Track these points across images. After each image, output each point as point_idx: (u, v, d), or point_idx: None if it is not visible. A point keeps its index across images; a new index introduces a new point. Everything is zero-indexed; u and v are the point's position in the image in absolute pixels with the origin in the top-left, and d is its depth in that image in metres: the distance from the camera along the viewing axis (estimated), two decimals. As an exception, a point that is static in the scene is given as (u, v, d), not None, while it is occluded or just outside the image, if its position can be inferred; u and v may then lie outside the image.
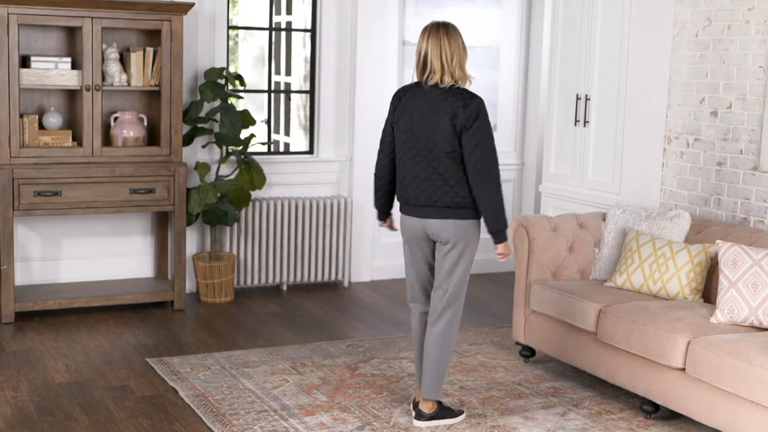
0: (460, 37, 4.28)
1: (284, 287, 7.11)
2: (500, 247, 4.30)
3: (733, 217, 5.40)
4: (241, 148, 6.54)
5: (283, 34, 13.72)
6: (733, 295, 4.50)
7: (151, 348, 5.56)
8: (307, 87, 7.63)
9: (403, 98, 4.36)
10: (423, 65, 4.29)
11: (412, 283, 4.52)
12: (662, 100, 5.84)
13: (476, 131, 4.18)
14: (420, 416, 4.43)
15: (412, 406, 4.60)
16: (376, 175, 4.51)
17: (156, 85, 6.27)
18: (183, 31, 6.20)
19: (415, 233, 4.40)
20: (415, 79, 4.38)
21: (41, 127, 6.18)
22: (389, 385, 4.99)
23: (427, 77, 4.28)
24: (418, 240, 4.41)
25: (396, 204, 6.85)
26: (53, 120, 6.16)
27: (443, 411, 4.46)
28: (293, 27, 13.69)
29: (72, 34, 6.25)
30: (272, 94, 7.82)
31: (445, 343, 4.39)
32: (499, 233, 4.24)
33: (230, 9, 6.91)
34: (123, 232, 6.68)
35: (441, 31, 4.26)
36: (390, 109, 4.42)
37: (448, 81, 4.23)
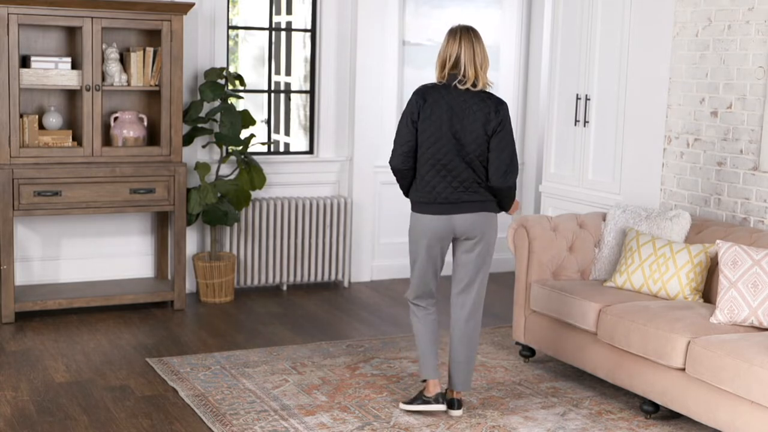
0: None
1: (284, 287, 7.11)
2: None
3: (733, 217, 5.40)
4: (241, 148, 6.54)
5: (283, 34, 13.72)
6: (733, 295, 4.50)
7: (151, 348, 5.56)
8: (307, 87, 7.63)
9: (428, 99, 4.37)
10: (453, 67, 4.38)
11: (426, 281, 4.55)
12: (662, 100, 5.84)
13: (504, 135, 4.39)
14: (459, 406, 4.58)
15: (437, 393, 4.57)
16: (400, 169, 4.45)
17: (156, 85, 6.27)
18: (183, 31, 6.20)
19: (438, 231, 4.45)
20: (437, 80, 4.43)
21: (41, 127, 6.18)
22: (389, 385, 4.99)
23: (459, 80, 4.37)
24: (441, 237, 4.47)
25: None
26: (53, 120, 6.16)
27: None
28: (293, 27, 13.69)
29: (72, 34, 6.25)
30: (272, 94, 7.82)
31: (478, 337, 4.65)
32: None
33: (230, 9, 6.91)
34: (123, 232, 6.68)
35: (471, 35, 4.40)
36: (412, 108, 4.40)
37: (480, 85, 4.40)
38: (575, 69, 6.35)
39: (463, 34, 4.38)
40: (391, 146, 7.36)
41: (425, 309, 4.61)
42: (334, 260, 7.17)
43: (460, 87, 4.36)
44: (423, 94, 4.40)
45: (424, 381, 4.63)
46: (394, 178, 4.58)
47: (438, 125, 4.35)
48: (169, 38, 6.16)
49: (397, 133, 4.47)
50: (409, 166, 4.44)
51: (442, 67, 4.41)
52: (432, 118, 4.36)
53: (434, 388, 4.55)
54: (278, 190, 7.12)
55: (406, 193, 4.57)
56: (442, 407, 4.55)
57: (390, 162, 4.48)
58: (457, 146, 4.35)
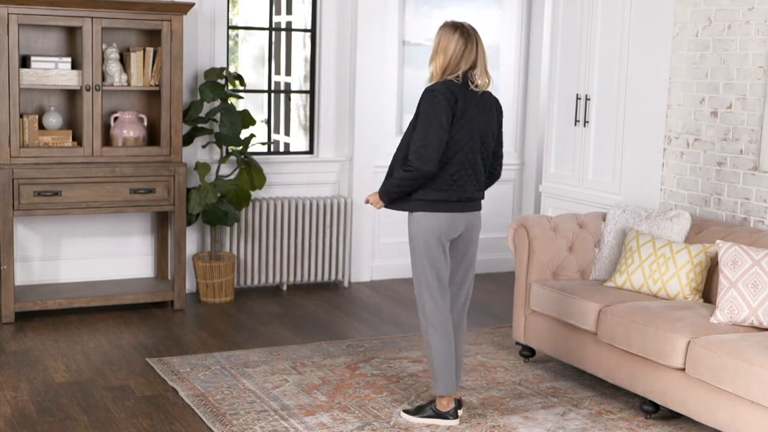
0: None
1: (284, 287, 7.11)
2: None
3: (733, 217, 5.40)
4: (241, 148, 6.54)
5: (283, 34, 13.72)
6: (733, 295, 4.50)
7: (151, 348, 5.56)
8: (307, 87, 7.63)
9: (458, 99, 4.29)
10: (471, 69, 4.34)
11: (445, 285, 4.47)
12: (662, 100, 5.84)
13: (501, 131, 4.59)
14: (461, 405, 4.60)
15: (453, 407, 4.50)
16: (428, 173, 4.25)
17: (156, 85, 6.27)
18: (183, 31, 6.20)
19: (454, 229, 4.42)
20: (441, 77, 4.33)
21: (41, 127, 6.18)
22: (389, 385, 4.99)
23: (476, 84, 4.35)
24: (452, 235, 4.44)
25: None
26: (53, 120, 6.16)
27: None
28: (293, 27, 13.68)
29: (72, 34, 6.25)
30: (272, 94, 7.82)
31: None
32: None
33: (230, 9, 6.91)
34: (123, 232, 6.68)
35: (480, 37, 4.42)
36: (446, 109, 4.24)
37: (489, 86, 4.45)
38: (575, 69, 6.35)
39: (477, 36, 4.36)
40: (386, 146, 7.38)
41: (447, 323, 4.46)
42: (334, 260, 7.17)
43: (478, 90, 4.35)
44: (452, 93, 4.28)
45: (441, 396, 4.48)
46: (409, 184, 4.30)
47: (470, 125, 4.32)
48: (169, 38, 6.16)
49: (427, 136, 4.23)
50: (438, 169, 4.30)
51: (456, 67, 4.32)
52: (466, 118, 4.31)
53: (450, 403, 4.49)
54: (278, 190, 7.12)
55: (409, 195, 4.41)
56: (457, 422, 4.50)
57: (422, 167, 4.22)
58: (481, 146, 4.38)
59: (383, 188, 4.44)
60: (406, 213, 4.49)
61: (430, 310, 4.43)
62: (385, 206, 4.50)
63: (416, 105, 4.39)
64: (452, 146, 4.29)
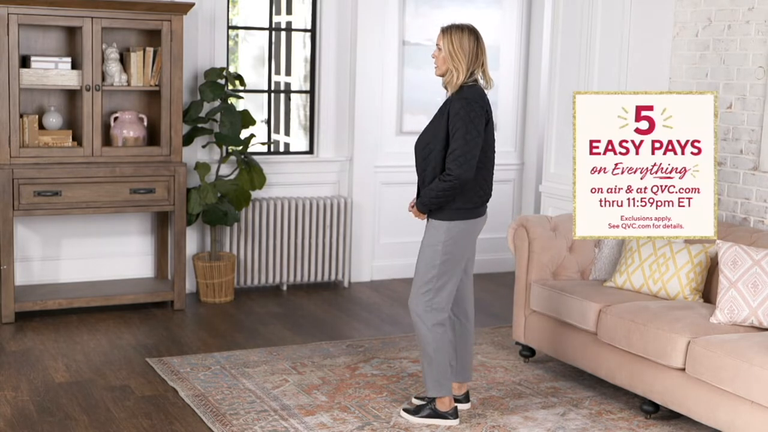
0: None
1: (284, 287, 7.11)
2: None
3: (733, 217, 5.40)
4: (241, 148, 6.54)
5: (283, 34, 13.72)
6: (733, 295, 4.50)
7: (151, 348, 5.56)
8: (307, 87, 7.62)
9: (485, 104, 4.32)
10: (484, 72, 4.38)
11: (455, 290, 4.47)
12: (662, 100, 5.83)
13: None
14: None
15: (453, 407, 4.50)
16: (467, 180, 4.24)
17: (156, 85, 6.27)
18: (183, 31, 6.20)
19: (481, 229, 4.48)
20: (465, 80, 4.32)
21: (41, 127, 6.18)
22: (389, 385, 4.99)
23: (486, 84, 4.39)
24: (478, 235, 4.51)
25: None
26: (53, 120, 6.16)
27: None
28: (293, 27, 13.68)
29: (72, 34, 6.25)
30: (272, 94, 7.82)
31: None
32: None
33: (230, 9, 6.91)
34: (123, 232, 6.68)
35: (482, 37, 4.42)
36: (482, 116, 4.28)
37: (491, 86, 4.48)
38: (575, 69, 6.34)
39: (480, 37, 4.36)
40: (386, 146, 7.40)
41: (448, 325, 4.48)
42: (334, 260, 7.17)
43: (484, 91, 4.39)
44: (482, 98, 4.31)
45: (438, 397, 4.47)
46: (450, 194, 4.27)
47: (492, 130, 4.38)
48: (169, 38, 6.16)
49: (467, 144, 4.21)
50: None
51: (475, 64, 4.32)
52: (490, 124, 4.36)
53: (451, 402, 4.49)
54: (278, 190, 7.11)
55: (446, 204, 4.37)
56: (457, 422, 4.50)
57: (462, 175, 4.21)
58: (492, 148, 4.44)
59: (421, 202, 4.36)
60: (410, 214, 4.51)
61: (440, 312, 4.40)
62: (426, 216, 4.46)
63: (438, 110, 4.40)
64: (485, 150, 4.35)
